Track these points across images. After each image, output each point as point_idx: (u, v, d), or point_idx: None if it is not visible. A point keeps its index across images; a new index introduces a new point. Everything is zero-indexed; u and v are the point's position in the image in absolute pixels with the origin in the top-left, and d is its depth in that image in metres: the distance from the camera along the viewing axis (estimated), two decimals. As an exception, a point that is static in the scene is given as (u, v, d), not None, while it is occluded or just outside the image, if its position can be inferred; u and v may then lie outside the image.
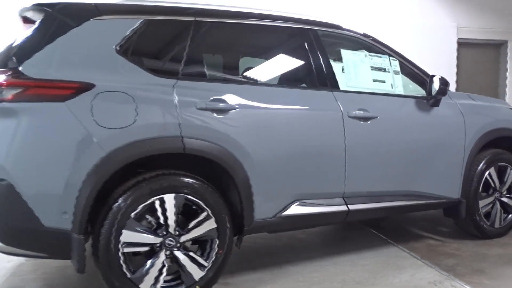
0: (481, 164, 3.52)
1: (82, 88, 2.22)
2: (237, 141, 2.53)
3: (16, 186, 2.10)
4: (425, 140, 3.26)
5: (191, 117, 2.43)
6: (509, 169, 3.68)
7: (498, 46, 7.89)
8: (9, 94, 2.13)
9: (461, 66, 7.45)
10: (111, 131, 2.24)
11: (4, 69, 2.21)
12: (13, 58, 2.23)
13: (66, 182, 2.17)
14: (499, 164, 3.63)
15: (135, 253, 2.41)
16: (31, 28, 2.37)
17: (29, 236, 2.18)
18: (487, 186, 3.60)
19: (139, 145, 2.30)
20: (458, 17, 7.44)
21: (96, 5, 2.48)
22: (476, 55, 7.75)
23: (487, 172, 3.56)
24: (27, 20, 2.62)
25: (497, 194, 3.65)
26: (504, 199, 3.69)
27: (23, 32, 2.61)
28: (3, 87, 2.13)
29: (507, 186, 3.70)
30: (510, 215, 3.74)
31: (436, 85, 3.21)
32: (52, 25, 2.36)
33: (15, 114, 2.13)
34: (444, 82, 3.17)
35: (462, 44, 7.49)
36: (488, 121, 3.57)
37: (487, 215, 3.62)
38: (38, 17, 2.49)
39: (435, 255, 3.29)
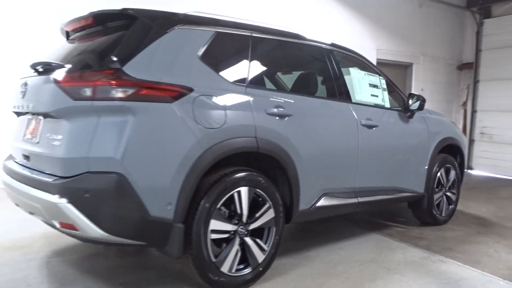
0: (436, 166, 4.42)
1: (185, 91, 2.46)
2: (291, 142, 2.95)
3: (129, 178, 2.25)
4: (405, 145, 4.04)
5: (263, 121, 2.79)
6: (451, 169, 4.66)
7: (406, 67, 9.37)
8: (122, 93, 2.27)
9: (379, 83, 8.66)
10: (208, 131, 2.50)
11: (107, 69, 2.34)
12: (114, 59, 2.36)
13: (173, 175, 2.37)
14: (446, 166, 4.58)
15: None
16: (124, 32, 2.51)
17: (135, 226, 2.32)
18: (438, 183, 4.51)
19: (228, 144, 2.60)
20: (378, 41, 8.69)
21: (175, 14, 2.70)
22: (390, 73, 8.99)
23: (439, 172, 4.48)
24: (96, 23, 2.72)
25: (444, 190, 4.61)
26: (448, 194, 4.66)
27: (108, 34, 2.69)
28: (115, 86, 2.27)
29: (450, 183, 4.68)
30: (451, 206, 4.73)
31: (412, 101, 4.01)
32: (145, 30, 2.52)
33: (126, 112, 2.28)
34: (423, 99, 3.97)
35: (380, 64, 8.72)
36: (441, 131, 4.49)
37: (437, 206, 4.54)
38: (116, 22, 2.64)
39: (409, 239, 4.05)
